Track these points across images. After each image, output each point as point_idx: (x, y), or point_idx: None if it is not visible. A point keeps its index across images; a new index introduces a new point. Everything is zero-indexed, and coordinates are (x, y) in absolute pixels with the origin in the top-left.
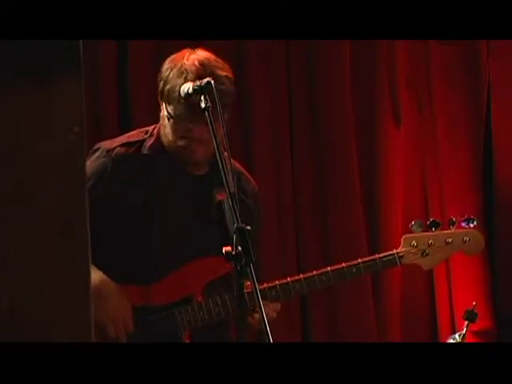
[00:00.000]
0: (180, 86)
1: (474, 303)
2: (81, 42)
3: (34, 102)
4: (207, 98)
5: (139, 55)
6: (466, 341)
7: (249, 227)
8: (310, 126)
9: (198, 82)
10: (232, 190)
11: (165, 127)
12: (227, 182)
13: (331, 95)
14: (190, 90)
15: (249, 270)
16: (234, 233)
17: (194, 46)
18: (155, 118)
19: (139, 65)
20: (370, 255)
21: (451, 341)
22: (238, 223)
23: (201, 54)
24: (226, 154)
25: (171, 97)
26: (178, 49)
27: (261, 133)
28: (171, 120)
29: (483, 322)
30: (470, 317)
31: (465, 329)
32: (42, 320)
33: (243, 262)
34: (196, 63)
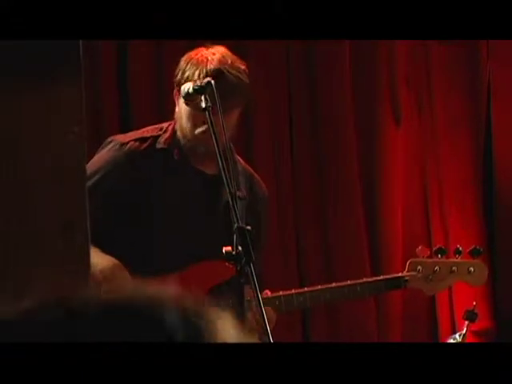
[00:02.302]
0: (199, 73)
1: (474, 303)
2: (81, 42)
3: (35, 102)
4: (207, 98)
5: (139, 55)
6: (467, 341)
7: (249, 227)
8: (310, 126)
9: (198, 82)
10: (233, 189)
11: (181, 119)
12: (228, 182)
13: (331, 95)
14: (191, 90)
15: (249, 270)
16: (234, 232)
17: (195, 46)
18: (155, 118)
19: (139, 65)
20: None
21: (451, 341)
22: (238, 223)
23: (218, 48)
24: (231, 153)
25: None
26: (178, 49)
27: (261, 133)
28: (189, 107)
29: (483, 322)
30: (470, 317)
31: (465, 329)
32: None
33: (243, 261)
34: (215, 53)
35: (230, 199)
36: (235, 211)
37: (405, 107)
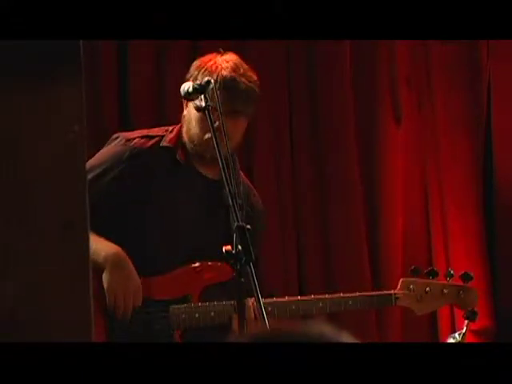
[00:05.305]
0: (212, 80)
1: None
2: (81, 42)
3: (35, 101)
4: (207, 97)
5: (139, 55)
6: (466, 340)
7: (249, 226)
8: (310, 126)
9: (198, 81)
10: (233, 189)
11: (189, 123)
12: (228, 182)
13: (331, 95)
14: (191, 89)
15: (249, 269)
16: (234, 232)
17: (196, 46)
18: (155, 118)
19: (139, 65)
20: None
21: (451, 340)
22: (238, 222)
23: (231, 55)
24: (233, 160)
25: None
26: (178, 49)
27: (261, 133)
28: (199, 113)
29: (483, 321)
30: (470, 316)
31: (465, 328)
32: (42, 320)
33: (243, 261)
34: (228, 60)
35: (230, 198)
36: (235, 210)
37: (405, 107)
